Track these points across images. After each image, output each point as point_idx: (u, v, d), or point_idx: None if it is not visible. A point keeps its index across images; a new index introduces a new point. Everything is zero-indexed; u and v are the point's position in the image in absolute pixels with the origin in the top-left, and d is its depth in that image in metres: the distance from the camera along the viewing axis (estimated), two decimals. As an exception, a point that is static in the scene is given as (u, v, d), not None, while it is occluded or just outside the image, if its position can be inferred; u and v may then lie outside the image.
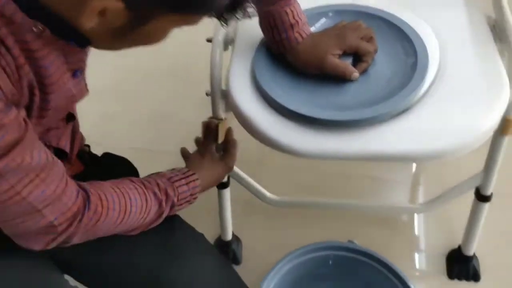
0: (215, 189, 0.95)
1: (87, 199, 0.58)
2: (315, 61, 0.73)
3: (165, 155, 1.25)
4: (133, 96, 1.44)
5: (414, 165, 1.20)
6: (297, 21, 0.73)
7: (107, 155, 0.78)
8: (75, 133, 0.71)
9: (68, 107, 0.62)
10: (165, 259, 0.68)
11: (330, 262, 0.95)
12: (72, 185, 0.58)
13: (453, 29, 0.82)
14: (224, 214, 1.00)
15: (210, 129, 0.79)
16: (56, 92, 0.55)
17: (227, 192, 0.96)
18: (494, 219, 1.02)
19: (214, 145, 0.79)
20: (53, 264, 0.68)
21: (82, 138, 0.77)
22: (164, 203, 0.66)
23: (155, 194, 0.65)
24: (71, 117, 0.65)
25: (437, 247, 1.05)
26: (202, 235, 0.76)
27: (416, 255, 1.06)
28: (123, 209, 0.62)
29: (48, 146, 0.64)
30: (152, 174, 0.70)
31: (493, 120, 0.71)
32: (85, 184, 0.61)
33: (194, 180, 0.70)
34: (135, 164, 0.79)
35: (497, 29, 0.82)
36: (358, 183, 1.17)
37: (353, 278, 0.95)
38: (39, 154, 0.53)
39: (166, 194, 0.66)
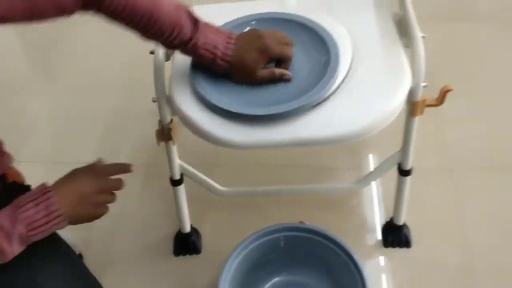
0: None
1: None
2: (246, 78, 0.84)
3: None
4: (84, 111, 1.50)
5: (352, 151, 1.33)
6: (214, 54, 0.81)
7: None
8: None
9: None
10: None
11: (282, 243, 1.06)
12: None
13: (364, 27, 0.94)
14: (181, 208, 1.09)
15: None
16: None
17: (181, 189, 1.06)
18: (420, 191, 1.16)
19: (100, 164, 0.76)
20: None
21: (9, 158, 0.78)
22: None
23: None
24: None
25: (376, 221, 1.18)
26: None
27: (357, 230, 1.17)
28: None
29: None
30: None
31: (397, 102, 0.83)
32: None
33: (46, 200, 0.65)
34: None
35: (402, 25, 0.94)
36: (302, 172, 1.28)
37: (305, 255, 1.04)
38: None
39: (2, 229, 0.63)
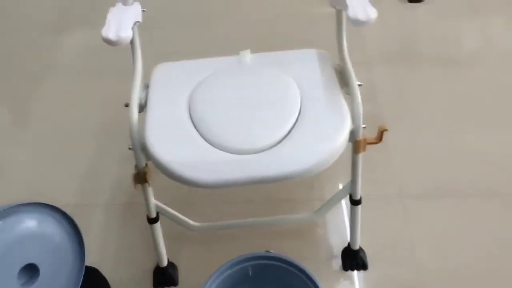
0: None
1: None
2: None
3: (100, 208, 1.42)
4: (64, 153, 1.61)
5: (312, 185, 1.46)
6: None
7: None
8: None
9: None
10: None
11: (250, 272, 1.17)
12: None
13: (310, 78, 1.08)
14: (158, 244, 1.20)
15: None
16: None
17: (158, 226, 1.17)
18: (373, 217, 1.29)
19: None
20: None
21: None
22: None
23: None
24: None
25: (335, 247, 1.30)
26: None
27: (321, 257, 1.29)
28: None
29: None
30: None
31: (339, 143, 0.97)
32: None
33: None
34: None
35: (342, 75, 1.10)
36: (269, 205, 1.40)
37: (271, 282, 1.15)
38: None
39: None
